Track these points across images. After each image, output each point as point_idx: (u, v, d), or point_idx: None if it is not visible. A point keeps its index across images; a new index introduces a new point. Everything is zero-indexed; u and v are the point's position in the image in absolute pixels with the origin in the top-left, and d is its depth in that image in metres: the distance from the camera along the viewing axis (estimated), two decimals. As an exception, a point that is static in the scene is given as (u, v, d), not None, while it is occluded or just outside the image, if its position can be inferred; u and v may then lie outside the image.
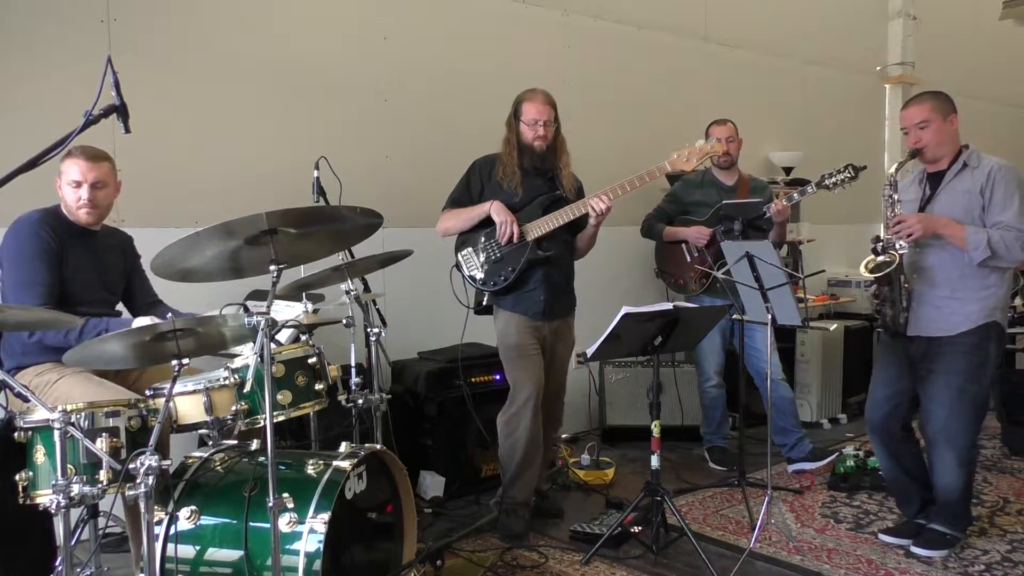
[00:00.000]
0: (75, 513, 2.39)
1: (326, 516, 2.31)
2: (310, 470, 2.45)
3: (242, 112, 3.88)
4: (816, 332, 5.19)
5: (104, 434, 2.23)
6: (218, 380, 2.57)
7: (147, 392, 2.57)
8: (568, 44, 5.03)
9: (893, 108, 6.97)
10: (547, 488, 3.85)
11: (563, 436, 4.73)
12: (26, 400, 2.24)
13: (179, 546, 2.38)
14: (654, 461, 3.25)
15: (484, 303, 3.51)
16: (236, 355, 2.79)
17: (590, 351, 3.14)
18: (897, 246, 3.07)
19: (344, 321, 3.13)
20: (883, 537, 3.38)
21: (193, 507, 2.40)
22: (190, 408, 2.57)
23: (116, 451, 2.25)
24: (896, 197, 3.14)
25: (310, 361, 2.73)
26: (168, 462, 2.15)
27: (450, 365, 3.92)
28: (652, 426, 3.24)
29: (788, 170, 5.98)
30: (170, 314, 2.89)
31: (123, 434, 2.29)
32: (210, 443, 2.64)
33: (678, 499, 3.83)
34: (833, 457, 4.23)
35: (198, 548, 2.40)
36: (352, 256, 3.21)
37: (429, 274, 3.73)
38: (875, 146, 6.89)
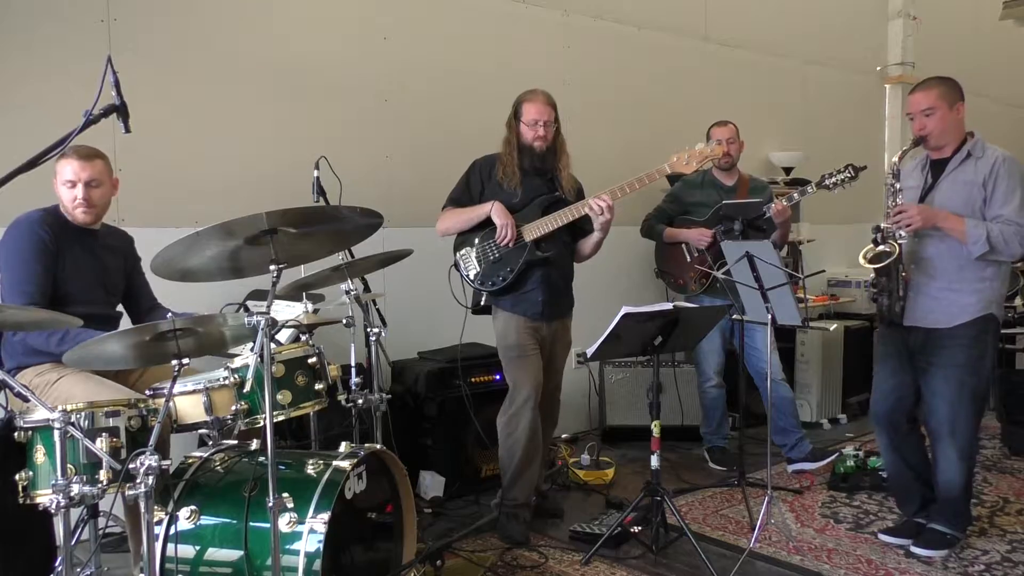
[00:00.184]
0: (75, 513, 2.39)
1: (326, 516, 2.31)
2: (310, 470, 2.45)
3: (242, 112, 3.88)
4: (816, 332, 5.19)
5: (104, 434, 2.23)
6: (218, 380, 2.57)
7: (147, 392, 2.57)
8: (568, 44, 5.03)
9: (893, 108, 6.98)
10: (547, 488, 3.85)
11: (563, 436, 4.74)
12: (26, 400, 2.24)
13: (179, 546, 2.38)
14: (654, 461, 3.25)
15: (483, 303, 3.51)
16: (236, 355, 2.79)
17: (590, 351, 3.14)
18: (897, 236, 3.07)
19: (344, 321, 3.13)
20: (883, 537, 3.38)
21: (193, 507, 2.40)
22: (190, 408, 2.57)
23: (116, 451, 2.25)
24: (898, 186, 3.13)
25: (310, 361, 2.73)
26: (168, 462, 2.15)
27: (450, 365, 3.92)
28: (652, 426, 3.24)
29: (788, 170, 5.98)
30: (170, 313, 2.89)
31: (123, 434, 2.29)
32: (210, 443, 2.64)
33: (678, 499, 3.83)
34: (833, 457, 4.23)
35: (198, 548, 2.40)
36: (352, 256, 3.21)
37: (429, 274, 3.73)
38: (875, 146, 6.89)
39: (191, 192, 3.72)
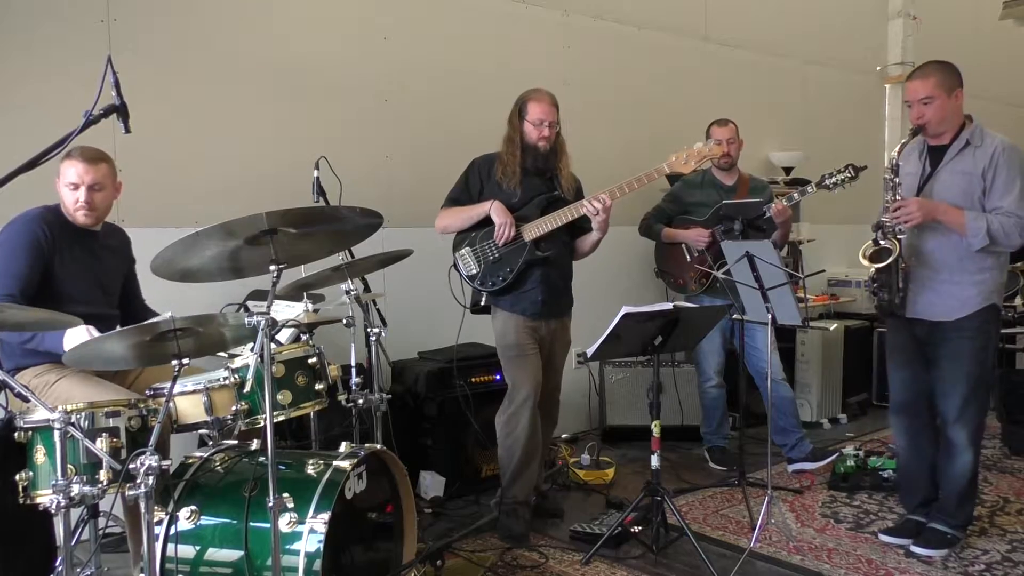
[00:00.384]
0: (75, 513, 2.39)
1: (326, 516, 2.31)
2: (310, 470, 2.46)
3: (242, 112, 3.88)
4: (816, 332, 5.19)
5: (104, 434, 2.24)
6: (218, 380, 2.58)
7: (147, 392, 2.57)
8: (568, 44, 5.03)
9: (893, 108, 6.97)
10: (547, 488, 3.85)
11: (563, 436, 4.74)
12: (26, 400, 2.24)
13: (179, 546, 2.38)
14: (654, 461, 3.25)
15: (482, 303, 3.51)
16: (236, 355, 2.79)
17: (590, 351, 3.14)
18: (897, 231, 3.07)
19: (344, 321, 3.13)
20: (883, 537, 3.38)
21: (193, 507, 2.41)
22: (190, 408, 2.57)
23: (116, 451, 2.25)
24: (897, 180, 3.12)
25: (310, 361, 2.73)
26: (168, 462, 2.15)
27: (450, 365, 3.92)
28: (652, 426, 3.24)
29: (788, 170, 5.97)
30: (170, 313, 2.89)
31: (123, 434, 2.29)
32: (210, 443, 2.65)
33: (678, 499, 3.83)
34: (833, 457, 4.23)
35: (198, 548, 2.40)
36: (352, 256, 3.21)
37: (429, 274, 3.73)
38: (875, 146, 6.88)
39: (191, 192, 3.72)
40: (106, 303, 3.01)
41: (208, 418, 2.55)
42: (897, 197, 3.10)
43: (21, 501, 2.25)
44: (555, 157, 3.47)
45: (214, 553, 2.38)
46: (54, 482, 2.15)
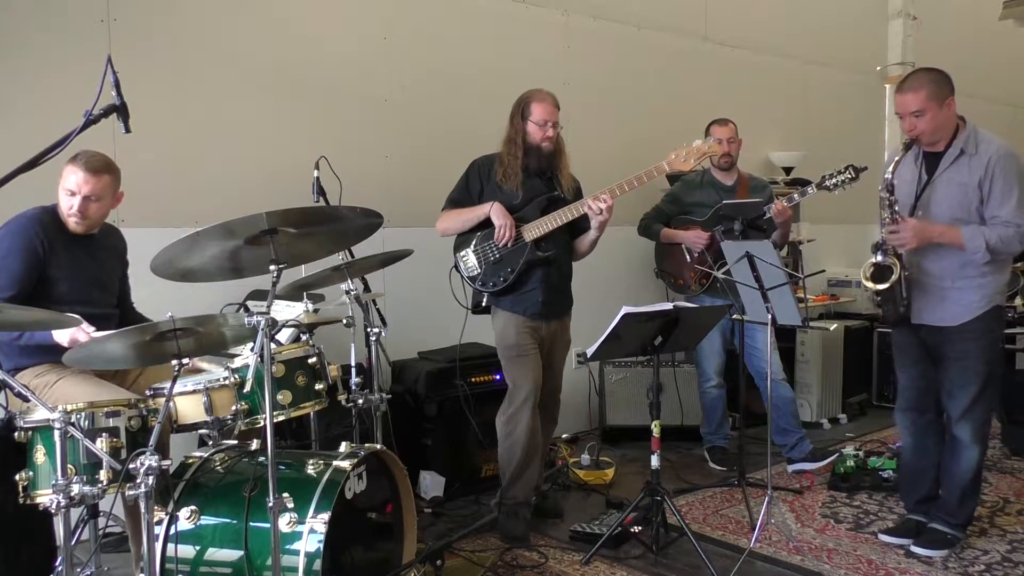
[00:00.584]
0: (75, 513, 2.39)
1: (326, 516, 2.31)
2: (310, 470, 2.46)
3: (242, 112, 3.88)
4: (816, 332, 5.19)
5: (104, 434, 2.24)
6: (218, 380, 2.58)
7: (147, 392, 2.57)
8: (568, 44, 5.03)
9: (893, 108, 6.97)
10: (547, 488, 3.84)
11: (563, 436, 4.74)
12: (26, 400, 2.24)
13: (179, 546, 2.39)
14: (654, 461, 3.25)
15: (483, 304, 3.51)
16: (236, 355, 2.79)
17: (590, 351, 3.14)
18: (895, 249, 3.07)
19: (344, 321, 3.13)
20: (883, 537, 3.38)
21: (193, 507, 2.41)
22: (190, 408, 2.57)
23: (116, 451, 2.26)
24: (893, 198, 3.11)
25: (310, 361, 2.73)
26: (168, 462, 2.15)
27: (450, 365, 3.92)
28: (652, 426, 3.24)
29: (788, 170, 5.98)
30: (170, 313, 2.89)
31: (123, 434, 2.30)
32: (210, 443, 2.65)
33: (678, 499, 3.83)
34: (833, 457, 4.23)
35: (198, 548, 2.40)
36: (352, 256, 3.21)
37: (429, 274, 3.73)
38: (875, 146, 6.88)
39: (191, 192, 3.72)
40: (105, 302, 3.01)
41: (208, 418, 2.56)
42: (895, 215, 3.09)
43: (21, 501, 2.25)
44: (556, 157, 3.47)
45: (214, 553, 2.39)
46: (54, 482, 2.16)
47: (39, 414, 2.22)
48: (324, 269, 3.05)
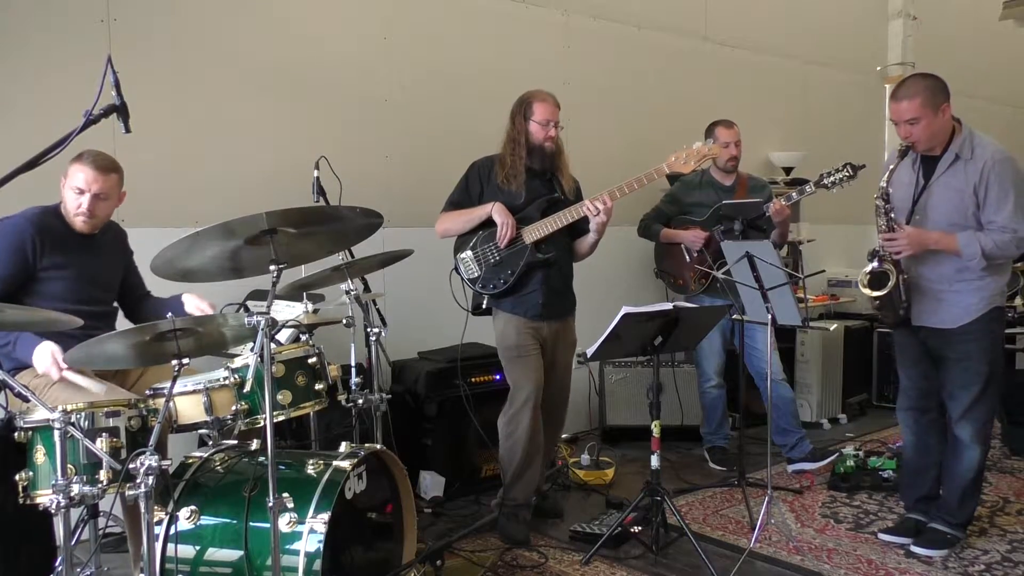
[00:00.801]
0: (75, 513, 2.39)
1: (326, 516, 2.31)
2: (310, 470, 2.46)
3: (242, 112, 3.88)
4: (816, 332, 5.19)
5: (104, 434, 2.24)
6: (218, 380, 2.57)
7: (147, 392, 2.57)
8: (568, 44, 5.03)
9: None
10: (547, 488, 3.84)
11: (563, 436, 4.73)
12: (26, 400, 2.24)
13: (179, 546, 2.38)
14: (654, 461, 3.25)
15: (484, 306, 3.51)
16: (236, 355, 2.79)
17: (590, 351, 3.14)
18: (892, 257, 3.08)
19: (344, 321, 3.13)
20: (883, 537, 3.38)
21: (193, 507, 2.41)
22: (190, 408, 2.57)
23: (116, 451, 2.26)
24: (889, 206, 3.11)
25: (310, 361, 2.73)
26: (168, 462, 2.15)
27: (450, 365, 3.92)
28: (652, 426, 3.24)
29: (788, 170, 5.98)
30: (170, 314, 2.89)
31: (123, 434, 2.30)
32: (210, 443, 2.65)
33: (678, 499, 3.83)
34: (833, 457, 4.23)
35: (198, 548, 2.40)
36: (352, 256, 3.21)
37: (429, 274, 3.73)
38: (875, 146, 6.89)
39: (191, 192, 3.72)
40: (103, 300, 3.00)
41: (208, 418, 2.55)
42: (892, 223, 3.09)
43: (21, 501, 2.25)
44: (556, 157, 3.47)
45: (214, 553, 2.38)
46: (54, 482, 2.16)
47: (39, 414, 2.22)
48: (324, 269, 3.05)
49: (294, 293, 3.12)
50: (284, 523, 2.29)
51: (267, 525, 2.25)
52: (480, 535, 3.44)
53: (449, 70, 4.53)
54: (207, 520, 2.41)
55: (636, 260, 5.09)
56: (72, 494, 2.16)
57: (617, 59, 5.26)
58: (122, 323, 3.12)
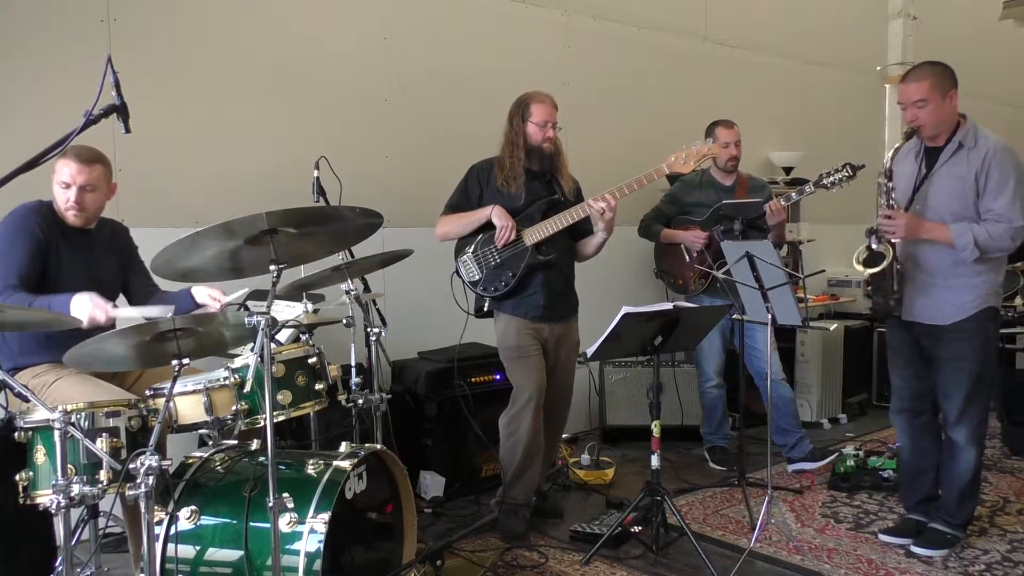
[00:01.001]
0: (75, 513, 2.39)
1: (326, 516, 2.31)
2: (310, 470, 2.46)
3: (242, 112, 3.88)
4: (816, 332, 5.19)
5: (104, 434, 2.24)
6: (218, 380, 2.57)
7: (147, 392, 2.57)
8: (568, 44, 5.03)
9: (893, 108, 6.97)
10: (547, 488, 3.84)
11: (563, 436, 4.73)
12: (26, 400, 2.24)
13: (179, 546, 2.38)
14: (654, 461, 3.25)
15: (485, 308, 3.51)
16: (236, 355, 2.79)
17: (590, 351, 3.14)
18: (887, 235, 3.07)
19: (344, 321, 3.13)
20: (883, 537, 3.38)
21: (193, 507, 2.41)
22: (190, 408, 2.57)
23: (116, 451, 2.25)
24: (891, 185, 3.11)
25: (310, 361, 2.73)
26: (168, 462, 2.15)
27: (450, 365, 3.92)
28: (652, 426, 3.24)
29: (788, 170, 5.98)
30: (170, 313, 2.89)
31: (123, 434, 2.29)
32: (210, 443, 2.65)
33: (678, 499, 3.83)
34: (833, 457, 4.23)
35: (198, 548, 2.40)
36: (352, 256, 3.21)
37: (429, 274, 3.73)
38: (875, 146, 6.88)
39: (191, 192, 3.72)
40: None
41: (208, 418, 2.55)
42: (892, 202, 3.10)
43: (21, 501, 2.25)
44: (555, 158, 3.47)
45: (214, 553, 2.38)
46: (54, 482, 2.15)
47: (39, 414, 2.22)
48: (324, 269, 3.05)
49: (294, 293, 3.12)
50: (284, 523, 2.29)
51: (267, 525, 2.25)
52: (480, 535, 3.44)
53: (449, 70, 4.53)
54: (207, 520, 2.40)
55: (636, 260, 5.09)
56: (72, 494, 2.16)
57: (617, 59, 5.26)
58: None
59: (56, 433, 2.14)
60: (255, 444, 2.68)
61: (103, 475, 2.21)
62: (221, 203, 3.43)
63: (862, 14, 6.88)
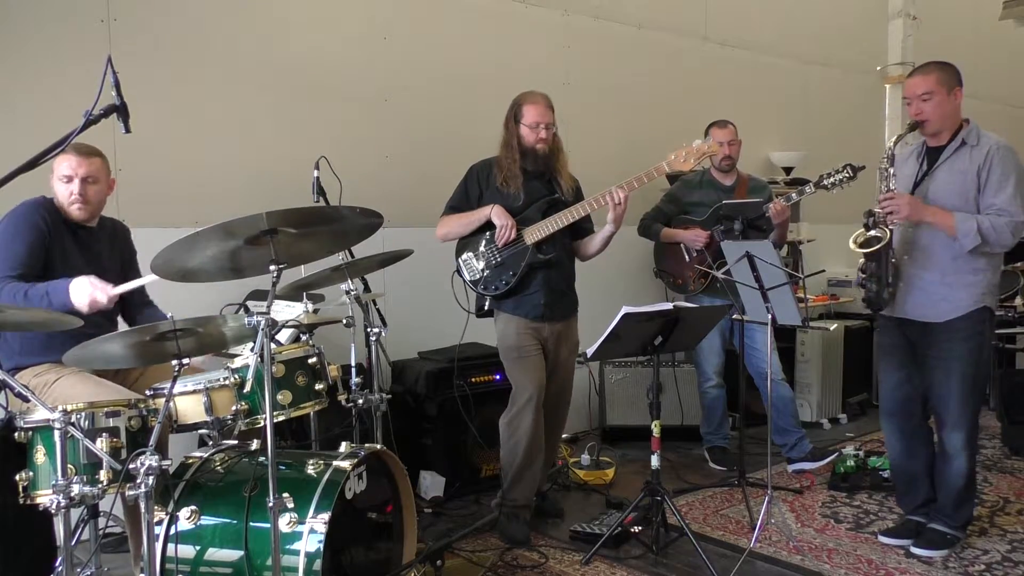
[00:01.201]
0: (75, 513, 2.39)
1: (326, 516, 2.31)
2: (310, 470, 2.46)
3: (242, 112, 3.88)
4: (816, 332, 5.19)
5: (104, 434, 2.24)
6: (218, 380, 2.57)
7: (147, 392, 2.57)
8: (568, 44, 5.03)
9: (893, 108, 6.95)
10: (547, 488, 3.84)
11: (563, 436, 4.73)
12: (26, 400, 2.24)
13: (179, 546, 2.39)
14: (654, 461, 3.25)
15: (486, 307, 3.51)
16: (236, 355, 2.79)
17: (590, 351, 3.14)
18: (889, 221, 3.07)
19: (344, 321, 3.13)
20: (883, 539, 3.37)
21: (193, 507, 2.41)
22: (190, 408, 2.57)
23: (116, 451, 2.25)
24: (892, 171, 3.11)
25: (310, 361, 2.73)
26: (168, 462, 2.15)
27: (450, 365, 3.93)
28: (652, 426, 3.24)
29: (788, 170, 5.98)
30: (171, 314, 2.89)
31: (123, 434, 2.30)
32: (210, 443, 2.65)
33: (678, 499, 3.83)
34: (833, 457, 4.23)
35: (198, 548, 2.40)
36: (352, 256, 3.21)
37: (429, 274, 3.73)
38: (875, 146, 6.84)
39: (191, 192, 3.72)
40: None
41: (208, 418, 2.55)
42: (892, 187, 3.10)
43: (21, 501, 2.25)
44: (553, 158, 3.47)
45: (214, 553, 2.38)
46: (54, 482, 2.15)
47: (39, 414, 2.22)
48: (324, 269, 3.05)
49: (294, 293, 3.12)
50: (284, 523, 2.29)
51: (267, 525, 2.25)
52: (480, 535, 3.44)
53: (449, 70, 4.53)
54: (207, 520, 2.41)
55: (636, 260, 5.09)
56: (72, 494, 2.16)
57: (617, 59, 5.26)
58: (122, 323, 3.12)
59: (56, 433, 2.14)
60: (255, 444, 2.68)
61: (103, 475, 2.21)
62: (221, 203, 3.43)
63: (862, 14, 6.86)
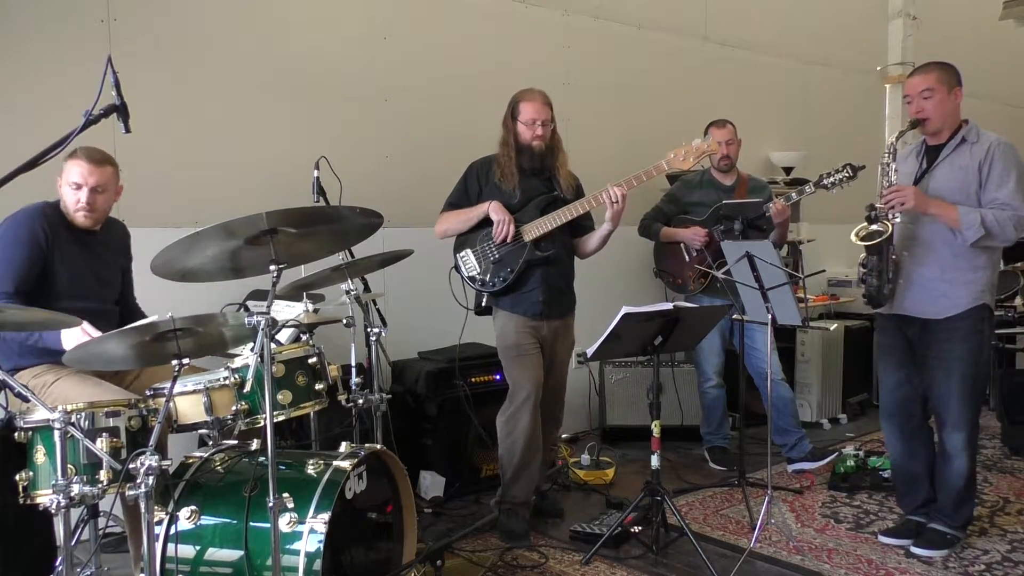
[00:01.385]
0: (75, 513, 2.39)
1: (326, 516, 2.31)
2: (310, 470, 2.46)
3: (242, 112, 3.88)
4: (816, 332, 5.19)
5: (104, 434, 2.24)
6: (218, 380, 2.57)
7: (147, 392, 2.57)
8: (568, 44, 5.03)
9: (893, 108, 6.95)
10: (547, 488, 3.84)
11: (563, 436, 4.73)
12: (26, 400, 2.24)
13: (179, 546, 2.39)
14: (654, 461, 3.26)
15: (484, 304, 3.51)
16: (236, 355, 2.78)
17: (590, 351, 3.14)
18: (890, 216, 3.06)
19: (344, 321, 3.13)
20: (883, 539, 3.37)
21: (193, 507, 2.41)
22: (190, 408, 2.57)
23: (116, 451, 2.26)
24: (894, 166, 3.11)
25: (310, 361, 2.73)
26: (168, 462, 2.15)
27: (450, 365, 3.93)
28: (652, 426, 3.24)
29: (788, 170, 5.98)
30: (170, 314, 2.89)
31: (123, 434, 2.30)
32: (210, 443, 2.65)
33: (678, 499, 3.83)
34: (833, 457, 4.23)
35: (198, 548, 2.40)
36: (352, 256, 3.21)
37: (429, 274, 3.73)
38: (875, 146, 6.84)
39: (191, 192, 3.72)
40: (104, 299, 3.00)
41: (208, 418, 2.55)
42: (894, 181, 3.10)
43: (21, 501, 2.25)
44: (552, 156, 3.47)
45: (214, 553, 2.38)
46: (54, 482, 2.15)
47: (39, 414, 2.22)
48: (324, 269, 3.05)
49: (294, 293, 3.12)
50: (284, 523, 2.30)
51: (267, 525, 2.25)
52: (480, 535, 3.44)
53: (449, 70, 4.53)
54: (207, 520, 2.41)
55: (636, 260, 5.09)
56: (72, 494, 2.16)
57: (617, 59, 5.26)
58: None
59: (56, 433, 2.14)
60: (255, 444, 2.68)
61: (103, 475, 2.21)
62: (221, 203, 3.43)
63: (862, 14, 6.87)
